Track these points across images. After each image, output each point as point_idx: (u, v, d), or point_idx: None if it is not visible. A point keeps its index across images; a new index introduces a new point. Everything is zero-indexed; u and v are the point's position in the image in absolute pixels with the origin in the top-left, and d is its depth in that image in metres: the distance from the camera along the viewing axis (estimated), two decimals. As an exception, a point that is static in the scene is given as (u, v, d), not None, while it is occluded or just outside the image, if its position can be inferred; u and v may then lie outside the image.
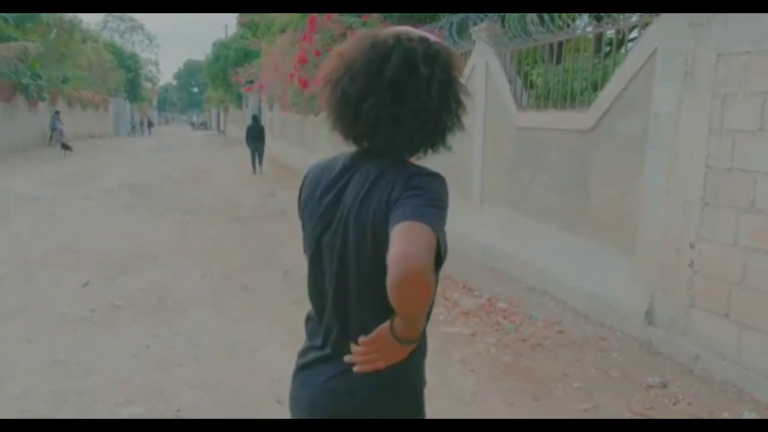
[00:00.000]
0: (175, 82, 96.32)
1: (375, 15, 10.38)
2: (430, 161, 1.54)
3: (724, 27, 4.06)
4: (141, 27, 67.95)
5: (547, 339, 4.80)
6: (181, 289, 5.90)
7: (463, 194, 7.40)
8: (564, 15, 5.76)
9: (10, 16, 22.38)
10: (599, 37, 5.83)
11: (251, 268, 6.79)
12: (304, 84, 12.34)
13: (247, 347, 4.49)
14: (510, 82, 6.83)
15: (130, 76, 48.96)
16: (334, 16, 11.44)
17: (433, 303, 1.43)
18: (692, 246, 4.30)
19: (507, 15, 6.68)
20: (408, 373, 1.50)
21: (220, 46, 33.36)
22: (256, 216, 10.36)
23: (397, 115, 1.42)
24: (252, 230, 9.16)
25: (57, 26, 27.83)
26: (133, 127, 50.88)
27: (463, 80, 1.53)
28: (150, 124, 55.45)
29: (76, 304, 5.34)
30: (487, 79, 7.04)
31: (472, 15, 7.33)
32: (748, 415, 3.61)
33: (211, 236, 8.58)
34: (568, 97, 5.87)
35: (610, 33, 5.94)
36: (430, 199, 1.35)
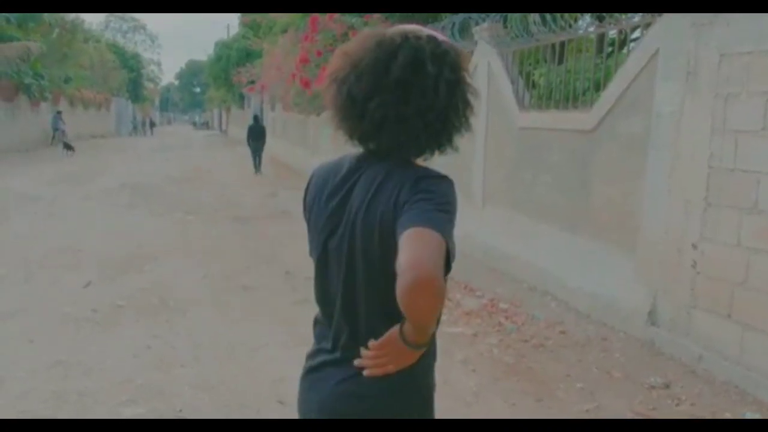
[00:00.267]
0: (177, 82, 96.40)
1: (376, 15, 10.37)
2: (432, 162, 1.52)
3: (727, 27, 4.04)
4: (143, 27, 68.03)
5: (549, 339, 4.79)
6: (182, 289, 5.90)
7: (465, 194, 7.39)
8: (566, 15, 5.76)
9: (13, 16, 22.40)
10: (601, 37, 5.81)
11: (252, 269, 6.79)
12: (306, 84, 12.34)
13: (248, 347, 4.49)
14: (512, 82, 6.82)
15: (132, 76, 48.99)
16: (336, 16, 11.44)
17: (443, 307, 1.43)
18: (695, 246, 4.29)
19: (509, 15, 6.68)
20: (418, 377, 1.49)
21: (222, 46, 33.40)
22: (257, 216, 10.35)
23: (404, 115, 1.40)
24: (253, 230, 9.15)
25: (59, 26, 27.84)
26: (135, 127, 50.92)
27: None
28: (152, 124, 55.49)
29: (77, 304, 5.33)
30: (489, 79, 7.03)
31: (474, 15, 7.33)
32: (750, 415, 3.60)
33: (212, 236, 8.58)
34: (570, 98, 5.87)
35: (613, 33, 5.95)
36: (438, 203, 1.33)
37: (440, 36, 1.47)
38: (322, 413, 1.52)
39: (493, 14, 6.92)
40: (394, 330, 1.36)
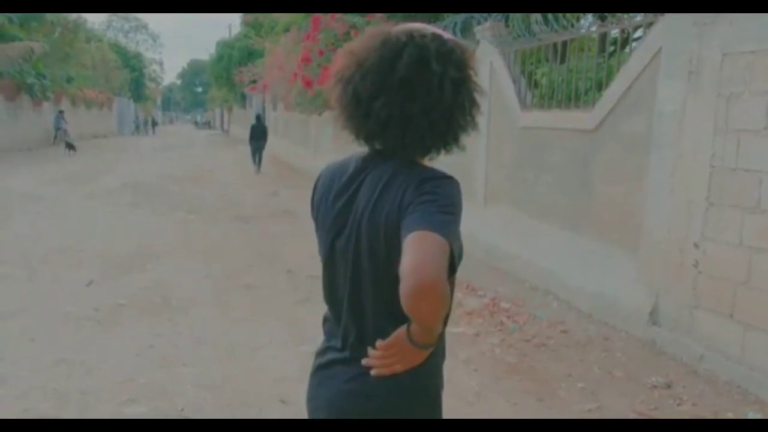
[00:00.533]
0: (179, 82, 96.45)
1: (378, 15, 10.37)
2: (436, 161, 1.52)
3: (729, 26, 4.04)
4: (145, 27, 68.08)
5: (550, 339, 4.79)
6: (184, 288, 5.90)
7: (467, 194, 7.34)
8: (568, 14, 5.75)
9: (15, 16, 22.41)
10: (604, 37, 5.81)
11: (254, 268, 6.79)
12: (308, 83, 12.35)
13: (250, 346, 4.49)
14: (514, 81, 6.82)
15: (134, 76, 48.99)
16: (338, 15, 11.44)
17: (450, 308, 1.43)
18: (697, 246, 4.28)
19: (511, 15, 6.67)
20: (425, 377, 1.49)
21: (224, 46, 33.40)
22: (259, 215, 10.36)
23: (409, 114, 1.39)
24: (255, 229, 9.16)
25: (61, 26, 27.81)
26: (137, 127, 50.96)
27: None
28: (154, 124, 55.53)
29: (79, 303, 5.34)
30: (491, 78, 7.03)
31: (476, 14, 7.33)
32: (752, 415, 3.60)
33: (214, 235, 8.59)
34: (573, 97, 5.86)
35: (615, 32, 5.94)
36: (442, 205, 1.33)
37: (446, 34, 1.46)
38: (331, 411, 1.52)
39: (495, 14, 6.92)
40: (401, 330, 1.37)
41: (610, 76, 5.39)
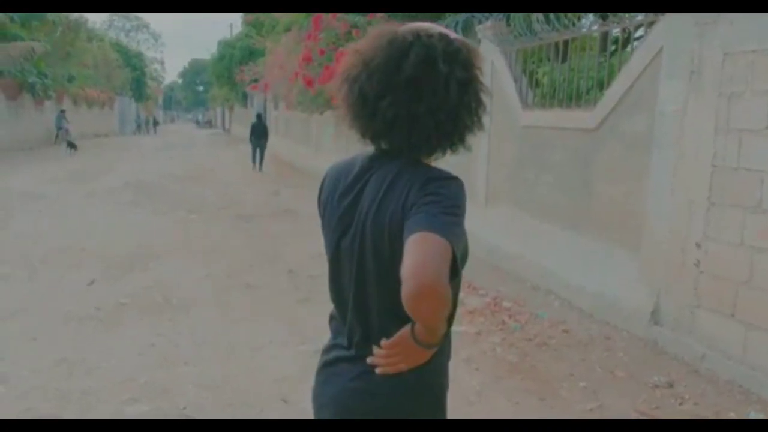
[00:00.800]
0: (180, 81, 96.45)
1: (379, 14, 10.36)
2: (440, 160, 1.52)
3: (730, 26, 4.04)
4: (146, 26, 68.15)
5: (552, 338, 4.79)
6: (185, 288, 5.91)
7: (469, 193, 7.26)
8: (570, 14, 5.75)
9: (16, 15, 22.43)
10: (605, 36, 5.81)
11: (255, 267, 6.80)
12: (309, 83, 12.35)
13: (251, 346, 4.49)
14: (515, 80, 6.82)
15: (135, 75, 49.00)
16: (339, 15, 11.43)
17: (455, 308, 1.42)
18: (698, 245, 4.28)
19: (512, 14, 6.67)
20: (430, 376, 1.50)
21: (225, 45, 33.39)
22: (260, 214, 10.36)
23: (415, 114, 1.39)
24: (256, 229, 9.16)
25: (63, 25, 27.82)
26: (138, 126, 50.99)
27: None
28: (155, 123, 55.58)
29: (80, 303, 5.35)
30: (492, 77, 7.02)
31: (478, 14, 7.32)
32: (754, 415, 3.60)
33: (215, 235, 8.59)
34: (574, 96, 5.86)
35: (616, 32, 5.93)
36: (445, 206, 1.33)
37: (452, 34, 1.46)
38: (336, 408, 1.53)
39: (497, 13, 6.91)
40: (406, 329, 1.38)
41: (611, 75, 5.38)
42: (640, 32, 5.44)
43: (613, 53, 5.62)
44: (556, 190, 5.97)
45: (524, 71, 6.85)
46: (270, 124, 24.14)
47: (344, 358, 1.54)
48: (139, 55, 54.12)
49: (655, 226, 4.67)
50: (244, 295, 5.77)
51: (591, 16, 6.20)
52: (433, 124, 1.41)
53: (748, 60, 3.92)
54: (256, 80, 21.47)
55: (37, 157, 20.61)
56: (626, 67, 5.06)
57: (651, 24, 4.88)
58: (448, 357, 1.58)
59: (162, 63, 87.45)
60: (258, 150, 17.99)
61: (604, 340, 4.78)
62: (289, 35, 15.57)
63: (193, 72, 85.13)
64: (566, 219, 5.79)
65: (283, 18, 18.02)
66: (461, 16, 7.70)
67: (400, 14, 9.56)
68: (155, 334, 4.68)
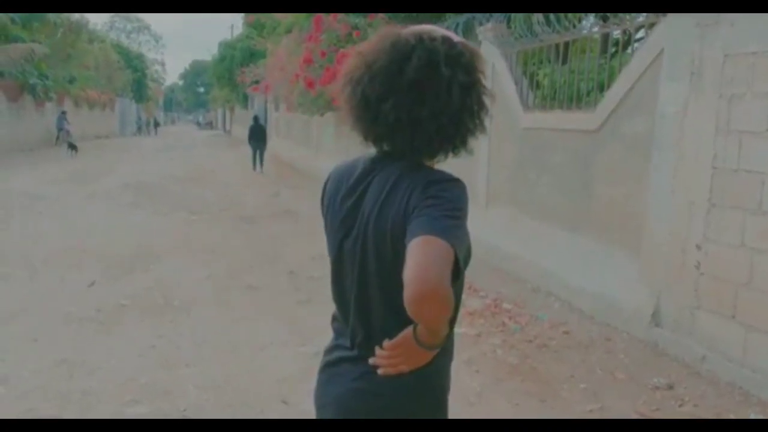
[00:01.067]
0: (181, 83, 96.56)
1: (380, 15, 10.38)
2: (441, 162, 1.52)
3: (731, 27, 4.04)
4: (147, 27, 68.25)
5: (552, 340, 4.79)
6: (186, 289, 5.91)
7: (469, 194, 7.38)
8: (570, 15, 5.75)
9: (17, 17, 22.45)
10: (605, 38, 5.81)
11: (256, 268, 6.80)
12: (310, 84, 12.35)
13: (252, 347, 4.50)
14: (516, 82, 6.82)
15: (136, 77, 49.02)
16: (340, 16, 11.45)
17: (458, 309, 1.43)
18: (698, 247, 4.28)
19: (513, 15, 6.68)
20: (432, 377, 1.50)
21: (226, 47, 33.41)
22: (260, 215, 10.37)
23: (417, 117, 1.40)
24: (257, 230, 9.17)
25: (64, 27, 27.85)
26: (139, 127, 51.03)
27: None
28: (156, 124, 55.62)
29: (81, 304, 5.35)
30: (493, 79, 7.02)
31: (478, 15, 7.33)
32: (754, 417, 3.60)
33: (215, 236, 8.59)
34: (574, 98, 5.86)
35: (617, 33, 5.94)
36: (447, 209, 1.33)
37: (455, 37, 1.46)
38: (338, 408, 1.54)
39: (497, 15, 6.92)
40: (408, 331, 1.39)
41: (611, 77, 5.39)
42: (640, 34, 5.44)
43: (613, 55, 5.63)
44: (556, 191, 5.97)
45: (525, 73, 6.85)
46: (271, 125, 24.16)
47: (346, 359, 1.55)
48: (140, 57, 54.16)
49: (656, 227, 4.67)
50: (244, 296, 5.77)
51: (591, 17, 6.21)
52: (435, 127, 1.41)
53: (749, 62, 3.92)
54: (256, 82, 21.50)
55: (37, 158, 20.61)
56: (627, 68, 5.07)
57: (651, 26, 4.89)
58: (450, 358, 1.58)
59: (163, 64, 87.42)
60: (258, 152, 18.05)
61: (605, 342, 4.77)
62: (289, 37, 15.59)
63: (194, 73, 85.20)
64: (566, 220, 5.79)
65: (284, 19, 18.04)
66: (462, 18, 7.71)
67: (401, 14, 9.60)
68: (156, 335, 4.68)
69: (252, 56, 26.90)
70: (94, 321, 4.97)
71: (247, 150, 18.88)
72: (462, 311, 5.68)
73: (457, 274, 1.32)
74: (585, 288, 5.45)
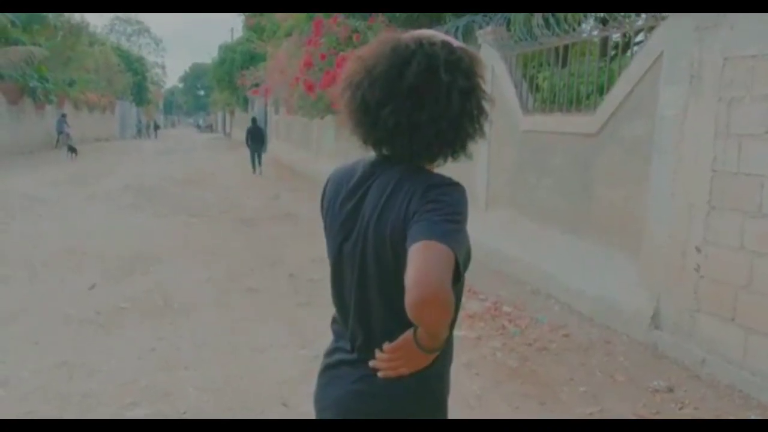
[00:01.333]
0: (181, 85, 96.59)
1: (380, 18, 10.40)
2: (441, 166, 1.53)
3: (731, 30, 4.05)
4: (147, 30, 68.36)
5: (552, 343, 4.79)
6: (186, 291, 5.91)
7: (469, 197, 7.38)
8: (569, 18, 5.76)
9: (17, 19, 22.47)
10: (605, 41, 5.83)
11: (256, 271, 6.80)
12: (310, 87, 12.37)
13: (251, 349, 4.50)
14: (515, 85, 6.83)
15: (136, 79, 49.03)
16: (340, 19, 11.48)
17: (457, 313, 1.44)
18: (698, 250, 4.28)
19: (512, 18, 6.69)
20: (432, 380, 1.51)
21: (226, 49, 33.45)
22: (260, 218, 10.37)
23: (416, 122, 1.40)
24: (257, 232, 9.17)
25: (64, 29, 27.90)
26: (139, 130, 51.07)
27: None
28: (156, 127, 55.62)
29: (81, 306, 5.35)
30: (492, 82, 7.04)
31: (478, 18, 7.34)
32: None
33: (215, 238, 8.60)
34: (574, 101, 5.87)
35: (616, 36, 5.95)
36: (447, 213, 1.34)
37: (455, 42, 1.47)
38: (338, 410, 1.54)
39: (497, 18, 6.93)
40: (408, 334, 1.39)
41: (611, 80, 5.40)
42: (640, 37, 5.46)
43: (613, 58, 5.64)
44: (556, 194, 5.98)
45: (524, 76, 6.87)
46: (271, 128, 24.17)
47: (346, 361, 1.55)
48: (140, 60, 54.18)
49: (655, 230, 4.67)
50: (244, 299, 5.78)
51: (591, 20, 6.22)
52: (435, 132, 1.42)
53: (748, 65, 3.93)
54: (257, 84, 21.53)
55: (37, 160, 20.62)
56: (626, 71, 5.08)
57: (651, 29, 4.90)
58: (449, 361, 1.59)
59: (163, 67, 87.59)
60: (256, 154, 18.17)
61: (604, 345, 4.78)
62: (289, 40, 15.62)
63: (194, 76, 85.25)
64: (566, 223, 5.80)
65: (284, 22, 18.06)
66: (462, 21, 7.72)
67: (401, 17, 9.62)
68: (156, 338, 4.68)
69: (252, 59, 26.94)
70: (94, 323, 4.97)
71: (247, 153, 18.92)
72: (462, 314, 5.68)
73: (457, 277, 1.32)
74: (585, 291, 5.45)
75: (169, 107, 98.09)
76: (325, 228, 1.58)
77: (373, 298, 1.47)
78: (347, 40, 11.26)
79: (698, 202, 4.28)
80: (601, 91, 5.53)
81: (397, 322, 1.39)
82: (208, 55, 59.05)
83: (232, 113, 45.18)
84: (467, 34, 7.66)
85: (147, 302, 5.53)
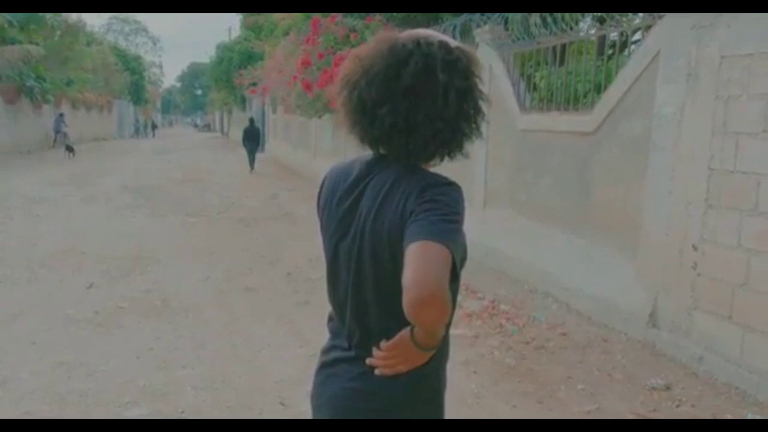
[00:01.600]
0: (178, 85, 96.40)
1: (377, 17, 10.40)
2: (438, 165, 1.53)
3: (728, 29, 4.06)
4: (145, 29, 68.03)
5: (550, 341, 4.80)
6: (184, 291, 5.91)
7: (466, 196, 7.25)
8: (567, 17, 5.77)
9: (15, 19, 22.43)
10: (602, 40, 5.83)
11: (254, 270, 6.80)
12: (308, 87, 12.37)
13: (250, 349, 4.50)
14: (513, 84, 6.84)
15: (134, 79, 48.90)
16: (338, 18, 11.48)
17: (453, 310, 1.44)
18: (695, 248, 4.29)
19: (510, 18, 6.70)
20: (429, 377, 1.51)
21: (224, 49, 33.42)
22: (258, 217, 10.37)
23: (413, 122, 1.40)
24: (255, 232, 9.17)
25: (61, 29, 27.84)
26: (136, 130, 50.97)
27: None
28: (154, 127, 55.54)
29: (80, 306, 5.35)
30: (490, 81, 7.04)
31: (476, 17, 7.35)
32: (751, 417, 3.61)
33: (214, 238, 8.60)
34: (572, 100, 5.88)
35: (614, 35, 5.95)
36: (444, 213, 1.34)
37: (453, 42, 1.47)
38: (335, 408, 1.55)
39: (495, 17, 6.94)
40: (405, 332, 1.40)
41: (608, 78, 5.40)
42: (637, 36, 5.47)
43: (610, 57, 5.65)
44: (553, 192, 5.99)
45: (522, 75, 6.87)
46: (269, 127, 24.15)
47: (343, 359, 1.56)
48: (137, 59, 54.04)
49: (653, 228, 4.68)
50: (242, 298, 5.78)
51: (588, 19, 6.23)
52: (431, 132, 1.42)
53: (745, 63, 3.94)
54: (254, 84, 21.52)
55: (35, 160, 20.59)
56: (623, 70, 5.08)
57: (648, 28, 4.91)
58: (446, 358, 1.59)
59: (160, 66, 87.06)
60: (252, 154, 18.28)
61: (602, 343, 4.79)
62: (287, 39, 15.62)
63: (192, 75, 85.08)
64: (564, 222, 5.81)
65: (282, 22, 18.07)
66: (459, 20, 7.73)
67: (398, 16, 9.62)
68: (154, 337, 4.68)
69: (250, 58, 26.93)
70: (92, 323, 4.97)
71: (245, 152, 18.93)
72: (460, 313, 5.70)
73: (454, 276, 1.33)
74: (582, 289, 5.46)
75: (167, 106, 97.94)
76: (322, 226, 1.59)
77: (369, 296, 1.48)
78: (345, 39, 11.27)
79: (695, 201, 4.29)
80: (599, 89, 5.54)
81: (393, 320, 1.40)
82: (206, 55, 59.02)
83: (229, 112, 45.10)
84: (465, 33, 7.66)
85: (145, 302, 5.53)
